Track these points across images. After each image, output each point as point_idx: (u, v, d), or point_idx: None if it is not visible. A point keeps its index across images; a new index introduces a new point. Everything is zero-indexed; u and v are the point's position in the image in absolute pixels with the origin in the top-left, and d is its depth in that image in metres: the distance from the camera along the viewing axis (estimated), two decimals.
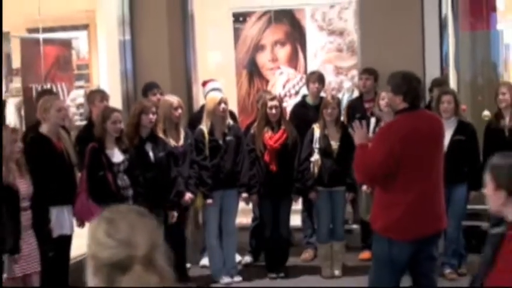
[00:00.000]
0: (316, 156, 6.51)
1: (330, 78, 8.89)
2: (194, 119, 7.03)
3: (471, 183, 6.11)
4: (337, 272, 6.62)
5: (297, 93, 9.05)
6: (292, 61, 9.25)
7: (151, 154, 6.00)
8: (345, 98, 8.51)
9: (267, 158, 6.56)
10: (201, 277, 6.71)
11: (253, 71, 9.30)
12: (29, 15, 9.06)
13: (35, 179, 5.06)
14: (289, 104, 8.38)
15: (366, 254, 6.75)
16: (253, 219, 7.23)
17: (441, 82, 7.06)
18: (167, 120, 6.32)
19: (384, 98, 6.19)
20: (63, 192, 5.36)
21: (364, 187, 6.40)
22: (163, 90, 6.95)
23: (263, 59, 9.29)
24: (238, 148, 6.55)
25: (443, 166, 4.53)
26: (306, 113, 7.09)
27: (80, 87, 9.69)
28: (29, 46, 8.70)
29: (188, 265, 6.78)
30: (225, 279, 6.55)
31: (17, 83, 9.15)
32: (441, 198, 4.56)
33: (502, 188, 2.67)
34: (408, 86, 4.46)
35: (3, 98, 9.04)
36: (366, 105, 7.16)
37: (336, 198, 6.60)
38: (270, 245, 6.75)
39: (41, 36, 8.68)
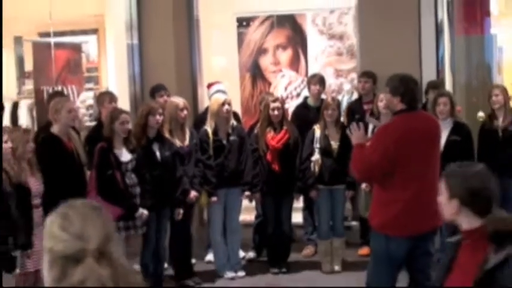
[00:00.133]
0: (316, 156, 6.54)
1: (330, 81, 8.90)
2: (199, 120, 7.05)
3: None
4: (337, 268, 6.67)
5: (298, 95, 9.08)
6: (294, 64, 9.26)
7: (158, 154, 6.00)
8: (344, 100, 8.51)
9: (269, 157, 6.60)
10: (206, 272, 6.77)
11: (256, 74, 9.30)
12: (41, 20, 9.10)
13: (46, 177, 5.11)
14: (291, 106, 8.32)
15: (364, 250, 6.82)
16: (256, 217, 7.26)
17: (436, 84, 7.08)
18: (173, 121, 6.32)
19: (382, 99, 6.24)
20: (73, 190, 5.11)
21: (363, 185, 6.43)
22: (170, 92, 6.97)
23: (266, 62, 9.29)
24: (242, 148, 6.57)
25: (439, 165, 4.49)
26: (307, 114, 7.12)
27: (90, 89, 9.68)
28: (41, 50, 8.70)
29: (194, 260, 6.83)
30: (229, 274, 6.60)
31: (29, 85, 9.22)
32: (437, 196, 4.64)
33: (456, 197, 2.60)
34: (406, 87, 4.49)
35: (16, 99, 9.27)
36: (365, 107, 7.17)
37: (336, 196, 6.64)
38: (273, 241, 6.79)
39: (52, 40, 8.69)
